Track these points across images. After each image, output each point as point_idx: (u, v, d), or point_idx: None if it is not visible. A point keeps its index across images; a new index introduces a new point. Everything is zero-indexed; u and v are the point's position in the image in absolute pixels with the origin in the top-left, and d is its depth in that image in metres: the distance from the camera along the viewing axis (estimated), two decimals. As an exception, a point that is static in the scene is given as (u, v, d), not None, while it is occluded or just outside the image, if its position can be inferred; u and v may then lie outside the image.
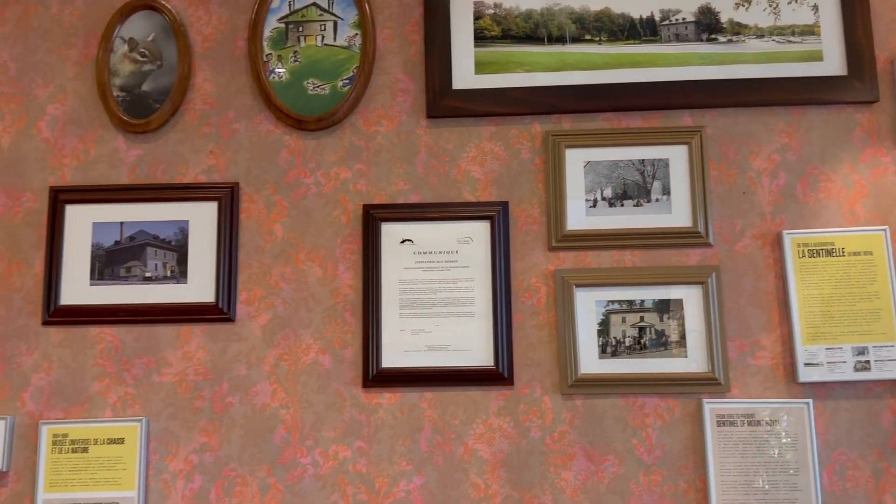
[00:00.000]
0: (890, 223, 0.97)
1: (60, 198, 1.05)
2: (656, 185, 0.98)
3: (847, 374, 0.93)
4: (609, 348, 0.97)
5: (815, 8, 0.98)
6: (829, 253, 0.94)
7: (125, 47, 1.05)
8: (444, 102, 1.02)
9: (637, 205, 0.99)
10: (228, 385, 1.01)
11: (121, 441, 1.01)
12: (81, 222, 1.05)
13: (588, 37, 1.01)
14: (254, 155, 1.07)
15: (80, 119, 1.09)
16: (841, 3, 0.99)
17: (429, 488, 0.97)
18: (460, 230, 1.00)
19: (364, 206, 1.03)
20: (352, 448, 0.98)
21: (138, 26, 1.07)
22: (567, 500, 0.95)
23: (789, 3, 0.99)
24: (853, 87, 0.96)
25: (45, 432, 1.01)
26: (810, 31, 0.98)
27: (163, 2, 1.06)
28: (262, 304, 1.03)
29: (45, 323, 1.04)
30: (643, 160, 0.98)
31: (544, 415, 0.98)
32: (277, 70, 1.04)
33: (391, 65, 1.07)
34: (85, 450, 1.01)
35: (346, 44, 1.04)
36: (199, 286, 1.02)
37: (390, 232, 1.01)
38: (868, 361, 0.92)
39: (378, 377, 0.98)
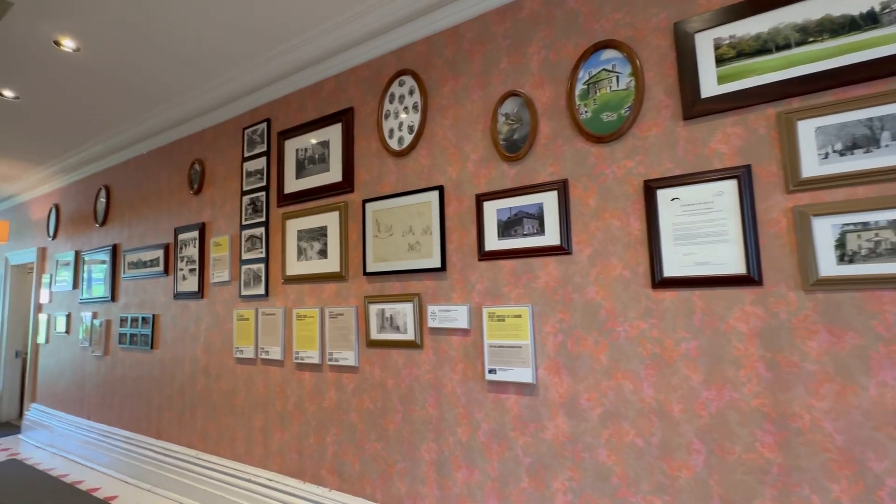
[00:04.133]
0: None
1: (480, 199, 1.89)
2: (885, 135, 1.24)
3: None
4: (846, 258, 1.26)
5: None
6: None
7: (503, 118, 1.89)
8: (696, 108, 1.48)
9: (867, 152, 1.26)
10: (571, 288, 1.70)
11: (519, 316, 1.78)
12: (491, 210, 1.86)
13: (811, 39, 1.32)
14: (574, 162, 1.72)
15: (486, 158, 1.94)
16: None
17: (702, 347, 1.46)
18: (714, 188, 1.44)
19: (644, 181, 1.56)
20: (647, 323, 1.55)
21: (509, 105, 1.86)
22: (813, 360, 1.31)
23: None
24: None
25: (485, 312, 1.86)
26: None
27: (520, 90, 1.85)
28: (586, 243, 1.68)
29: (480, 259, 1.89)
30: (871, 118, 1.26)
31: (790, 304, 1.34)
32: (583, 112, 1.71)
33: (655, 93, 1.58)
34: (503, 320, 1.82)
35: (625, 87, 1.62)
36: (551, 236, 1.73)
37: (664, 195, 1.52)
38: None
39: (661, 282, 1.52)
